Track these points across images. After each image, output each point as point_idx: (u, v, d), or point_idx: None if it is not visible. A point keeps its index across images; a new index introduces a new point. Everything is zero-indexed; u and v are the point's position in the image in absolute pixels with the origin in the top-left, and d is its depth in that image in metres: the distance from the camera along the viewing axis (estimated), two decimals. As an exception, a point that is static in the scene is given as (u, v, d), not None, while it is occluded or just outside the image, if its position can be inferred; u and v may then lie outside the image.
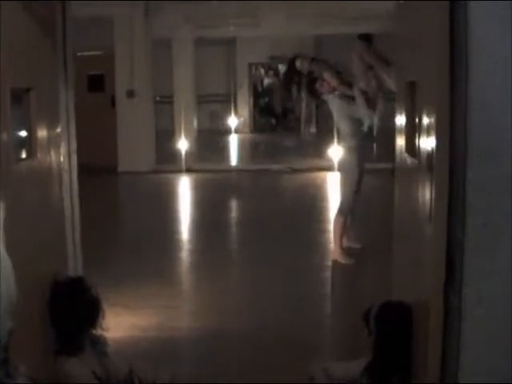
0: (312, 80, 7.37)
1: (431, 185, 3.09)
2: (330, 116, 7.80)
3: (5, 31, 3.28)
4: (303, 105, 21.19)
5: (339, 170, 7.39)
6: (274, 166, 14.10)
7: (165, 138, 15.67)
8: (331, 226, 7.55)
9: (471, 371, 2.92)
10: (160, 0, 13.77)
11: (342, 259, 7.13)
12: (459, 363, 2.92)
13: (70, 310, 3.65)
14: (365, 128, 7.04)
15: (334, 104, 7.24)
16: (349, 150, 7.17)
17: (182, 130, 15.37)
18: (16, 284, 2.68)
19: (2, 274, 2.60)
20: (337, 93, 7.19)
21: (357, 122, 7.09)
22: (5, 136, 3.31)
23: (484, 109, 2.83)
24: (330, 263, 7.25)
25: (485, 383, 2.89)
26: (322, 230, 8.61)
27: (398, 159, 4.19)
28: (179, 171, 13.88)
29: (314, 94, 7.46)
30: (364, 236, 7.84)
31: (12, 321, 2.63)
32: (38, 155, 3.86)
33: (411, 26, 3.70)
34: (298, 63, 7.36)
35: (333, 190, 11.12)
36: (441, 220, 2.98)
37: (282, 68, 22.95)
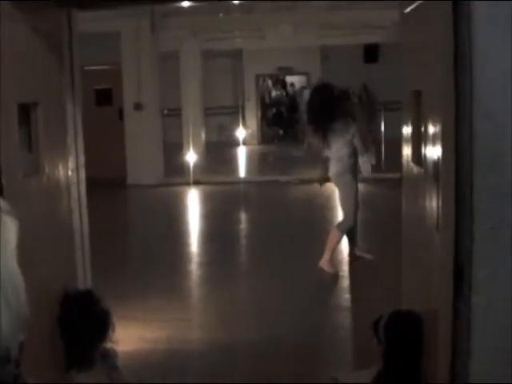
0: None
1: (438, 193, 3.10)
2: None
3: (11, 47, 3.32)
4: None
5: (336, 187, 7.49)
6: (283, 177, 14.07)
7: (173, 150, 15.68)
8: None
9: (481, 379, 2.91)
10: (166, 10, 13.85)
11: (328, 268, 7.21)
12: (469, 371, 2.91)
13: (80, 324, 3.64)
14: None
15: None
16: (344, 168, 7.25)
17: (190, 143, 15.38)
18: (26, 298, 2.70)
19: (14, 289, 2.61)
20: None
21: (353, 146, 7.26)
22: (12, 150, 3.33)
23: (489, 116, 2.84)
24: (339, 274, 7.25)
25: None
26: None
27: (404, 168, 4.19)
28: (187, 184, 13.87)
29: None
30: (373, 246, 7.85)
31: (24, 334, 2.64)
32: (46, 169, 3.88)
33: (416, 35, 3.71)
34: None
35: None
36: (448, 228, 2.98)
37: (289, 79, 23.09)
